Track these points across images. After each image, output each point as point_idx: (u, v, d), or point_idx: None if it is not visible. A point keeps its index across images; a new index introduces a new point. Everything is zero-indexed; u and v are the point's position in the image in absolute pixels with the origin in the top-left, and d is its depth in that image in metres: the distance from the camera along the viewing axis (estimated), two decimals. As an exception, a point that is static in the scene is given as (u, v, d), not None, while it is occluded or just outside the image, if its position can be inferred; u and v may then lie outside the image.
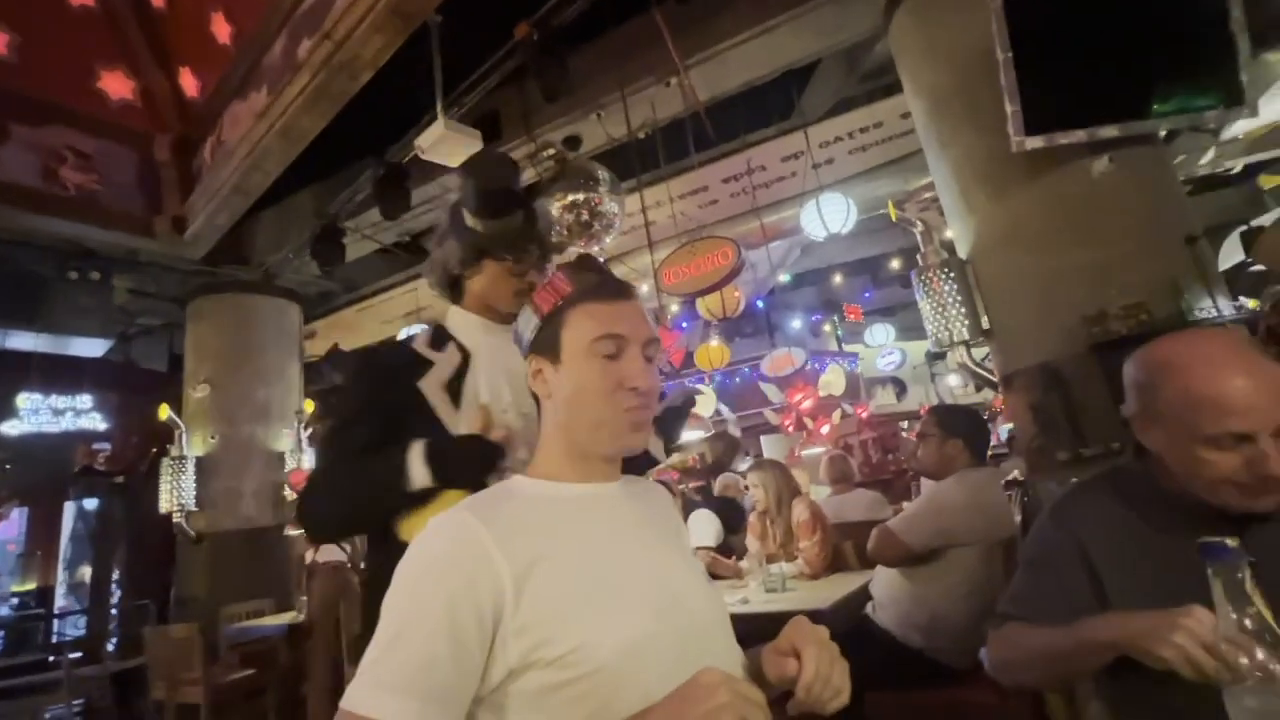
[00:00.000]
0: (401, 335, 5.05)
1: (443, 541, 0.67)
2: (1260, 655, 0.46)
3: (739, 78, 4.10)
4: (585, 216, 4.13)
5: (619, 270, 4.96)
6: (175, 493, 4.92)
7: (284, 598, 4.88)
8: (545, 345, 0.78)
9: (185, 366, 5.48)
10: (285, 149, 3.84)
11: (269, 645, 4.13)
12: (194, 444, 5.17)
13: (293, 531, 5.20)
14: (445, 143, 3.36)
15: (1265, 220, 5.45)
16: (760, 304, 8.46)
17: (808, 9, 3.62)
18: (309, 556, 4.16)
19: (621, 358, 0.75)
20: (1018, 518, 2.23)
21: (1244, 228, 4.80)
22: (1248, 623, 0.47)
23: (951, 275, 3.02)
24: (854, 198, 4.39)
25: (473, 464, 0.93)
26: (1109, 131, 2.47)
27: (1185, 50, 2.58)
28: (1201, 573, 0.73)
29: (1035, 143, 2.42)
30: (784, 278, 7.14)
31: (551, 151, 4.24)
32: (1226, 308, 2.44)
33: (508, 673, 0.63)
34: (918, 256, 3.99)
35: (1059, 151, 2.51)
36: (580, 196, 4.05)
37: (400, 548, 0.69)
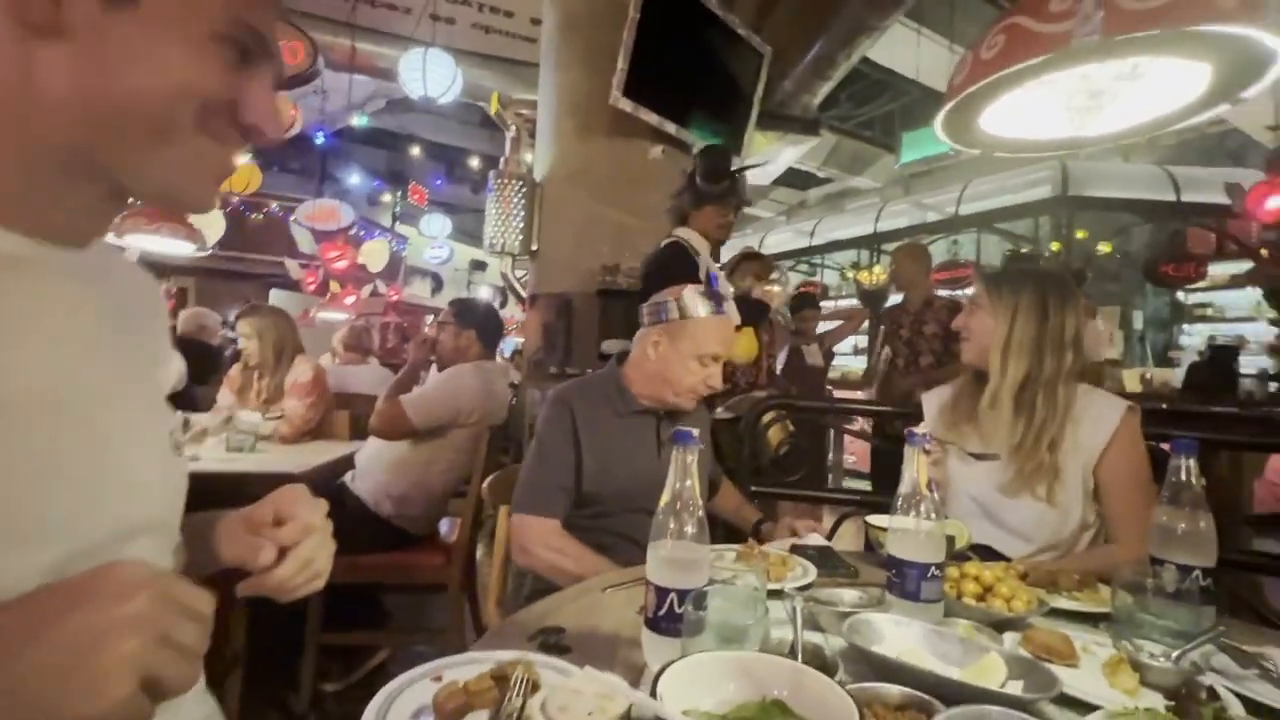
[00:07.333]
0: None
1: None
2: (687, 523, 0.65)
3: None
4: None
5: None
6: None
7: None
8: None
9: None
10: None
11: None
12: None
13: None
14: None
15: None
16: (320, 139, 7.20)
17: None
18: None
19: (249, 76, 0.48)
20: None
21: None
22: (682, 489, 0.63)
23: (524, 190, 3.19)
24: (462, 73, 4.13)
25: None
26: (669, 127, 3.03)
27: (728, 100, 3.39)
28: (636, 442, 1.26)
29: (626, 105, 2.76)
30: (358, 121, 6.24)
31: None
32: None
33: None
34: (501, 160, 4.08)
35: (637, 123, 2.93)
36: None
37: None
